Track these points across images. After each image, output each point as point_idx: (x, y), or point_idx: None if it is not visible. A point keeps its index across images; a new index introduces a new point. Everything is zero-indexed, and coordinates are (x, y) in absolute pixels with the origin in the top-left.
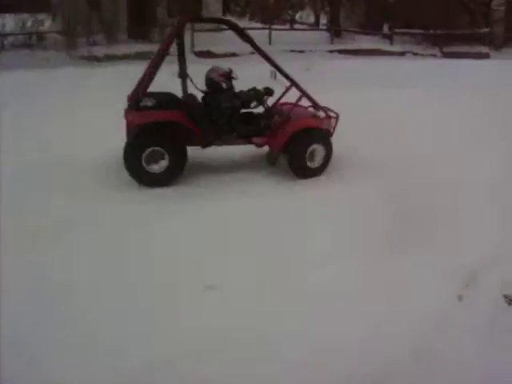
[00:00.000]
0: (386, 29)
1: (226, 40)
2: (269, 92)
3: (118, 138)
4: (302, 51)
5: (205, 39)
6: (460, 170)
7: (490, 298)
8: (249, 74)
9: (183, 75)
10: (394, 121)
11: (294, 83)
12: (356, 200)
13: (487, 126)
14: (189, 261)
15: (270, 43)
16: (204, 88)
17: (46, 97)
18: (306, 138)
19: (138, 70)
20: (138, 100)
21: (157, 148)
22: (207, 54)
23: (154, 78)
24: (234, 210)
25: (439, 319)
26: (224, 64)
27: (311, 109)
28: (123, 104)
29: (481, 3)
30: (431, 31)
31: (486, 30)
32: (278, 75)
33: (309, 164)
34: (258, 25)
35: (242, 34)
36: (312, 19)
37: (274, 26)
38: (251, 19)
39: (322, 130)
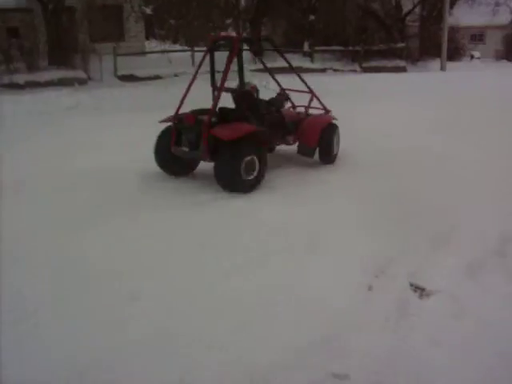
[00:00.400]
0: (306, 47)
1: (148, 63)
2: (287, 98)
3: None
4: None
5: (128, 63)
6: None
7: (397, 287)
8: (175, 93)
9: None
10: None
11: (311, 91)
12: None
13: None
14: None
15: (193, 64)
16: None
17: None
18: (330, 131)
19: (61, 94)
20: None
21: (253, 156)
22: (131, 78)
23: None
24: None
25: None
26: (149, 87)
27: (298, 109)
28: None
29: (396, 19)
30: (350, 48)
31: (402, 44)
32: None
33: (334, 151)
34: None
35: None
36: None
37: (197, 48)
38: (175, 42)
39: (333, 124)
